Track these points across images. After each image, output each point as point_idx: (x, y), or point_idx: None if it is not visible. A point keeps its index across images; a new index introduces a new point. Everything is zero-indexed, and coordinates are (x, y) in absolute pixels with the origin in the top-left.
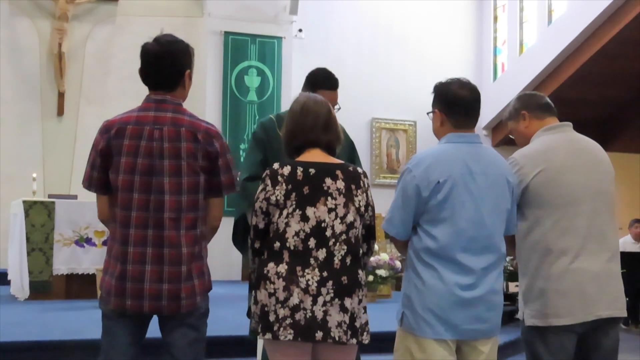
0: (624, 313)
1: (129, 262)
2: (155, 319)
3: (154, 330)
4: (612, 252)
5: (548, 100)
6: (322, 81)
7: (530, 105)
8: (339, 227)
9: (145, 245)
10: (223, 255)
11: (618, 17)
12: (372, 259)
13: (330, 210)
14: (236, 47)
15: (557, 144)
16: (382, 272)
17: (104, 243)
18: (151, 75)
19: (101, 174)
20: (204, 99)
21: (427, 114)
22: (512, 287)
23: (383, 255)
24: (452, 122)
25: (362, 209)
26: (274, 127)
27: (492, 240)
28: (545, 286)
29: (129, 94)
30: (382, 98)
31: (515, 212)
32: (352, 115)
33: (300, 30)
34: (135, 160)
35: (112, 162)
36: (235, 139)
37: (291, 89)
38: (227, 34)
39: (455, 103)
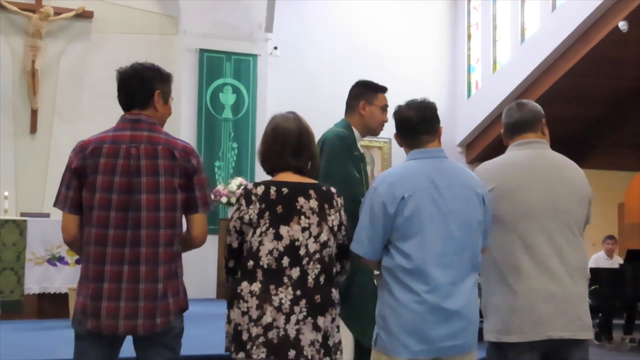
0: (582, 335)
1: (105, 280)
2: (129, 339)
3: (129, 350)
4: (574, 272)
5: (518, 117)
6: (380, 87)
7: (503, 125)
8: (312, 246)
9: (122, 263)
10: (198, 273)
11: (590, 35)
12: None
13: (304, 229)
14: (211, 64)
15: (519, 160)
16: None
17: (77, 262)
18: (122, 94)
19: (76, 193)
20: (178, 116)
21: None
22: None
23: None
24: (405, 142)
25: (336, 228)
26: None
27: (463, 254)
28: (499, 303)
29: (103, 111)
30: None
31: (489, 224)
32: None
33: (275, 48)
34: (112, 178)
35: (86, 181)
36: (210, 156)
37: (266, 107)
38: (202, 51)
39: (402, 125)
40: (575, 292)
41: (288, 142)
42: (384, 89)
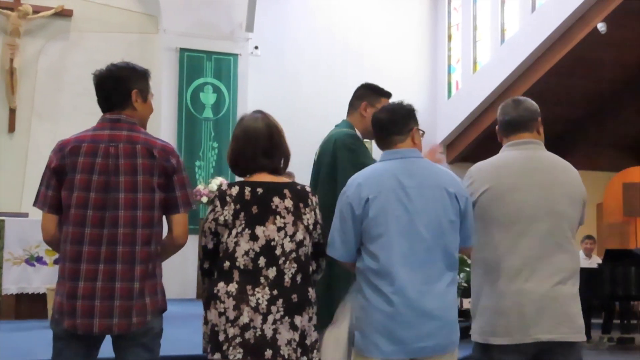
0: (572, 338)
1: (80, 279)
2: (108, 340)
3: (108, 351)
4: (564, 275)
5: (514, 115)
6: (385, 91)
7: (498, 122)
8: (288, 246)
9: (97, 262)
10: (178, 273)
11: (569, 36)
12: None
13: (279, 229)
14: (191, 63)
15: (513, 161)
16: None
17: (56, 262)
18: (100, 97)
19: (56, 192)
20: (158, 116)
21: None
22: (466, 304)
23: None
24: (378, 144)
25: (311, 227)
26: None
27: (434, 254)
28: (487, 304)
29: (82, 110)
30: (339, 115)
31: (468, 223)
32: (308, 132)
33: (256, 47)
34: (90, 177)
35: (65, 179)
36: (190, 156)
37: (247, 106)
38: (182, 50)
39: (375, 127)
40: (565, 294)
41: (260, 144)
42: (388, 95)
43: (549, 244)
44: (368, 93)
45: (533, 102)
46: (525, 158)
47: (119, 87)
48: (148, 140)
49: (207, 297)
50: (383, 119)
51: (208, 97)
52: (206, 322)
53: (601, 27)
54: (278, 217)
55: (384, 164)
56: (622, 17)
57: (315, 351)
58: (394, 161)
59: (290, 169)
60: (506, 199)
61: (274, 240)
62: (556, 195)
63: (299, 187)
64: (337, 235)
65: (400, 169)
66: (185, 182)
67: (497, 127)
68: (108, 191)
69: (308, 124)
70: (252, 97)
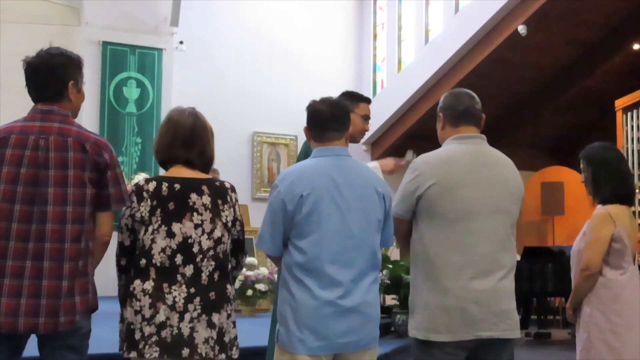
0: (510, 334)
1: (6, 276)
2: (33, 339)
3: (34, 350)
4: (505, 272)
5: (469, 105)
6: (363, 97)
7: (447, 108)
8: (206, 243)
9: (25, 258)
10: (98, 270)
11: (490, 38)
12: (251, 273)
13: (196, 226)
14: (115, 57)
15: (460, 155)
16: (261, 287)
17: None
18: (31, 87)
19: None
20: (80, 110)
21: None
22: (389, 300)
23: (262, 269)
24: (313, 136)
25: (230, 223)
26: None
27: (361, 251)
28: (429, 300)
29: (2, 104)
30: (264, 112)
31: (391, 224)
32: (233, 129)
33: (181, 42)
34: (18, 170)
35: None
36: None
37: (171, 101)
38: (105, 44)
39: (313, 117)
40: (506, 291)
41: (180, 133)
42: (367, 100)
43: (494, 241)
44: (347, 99)
45: None
46: (473, 153)
47: (55, 78)
48: (80, 133)
49: (124, 294)
50: (324, 111)
51: (131, 92)
52: (122, 320)
53: (522, 29)
54: (195, 213)
55: (317, 160)
56: (541, 20)
57: (234, 348)
58: (326, 158)
59: (214, 165)
60: (453, 195)
61: (191, 237)
62: (501, 193)
63: (217, 184)
64: (266, 230)
65: (332, 166)
66: (119, 179)
67: (442, 115)
68: (37, 185)
69: (232, 120)
70: (177, 92)
